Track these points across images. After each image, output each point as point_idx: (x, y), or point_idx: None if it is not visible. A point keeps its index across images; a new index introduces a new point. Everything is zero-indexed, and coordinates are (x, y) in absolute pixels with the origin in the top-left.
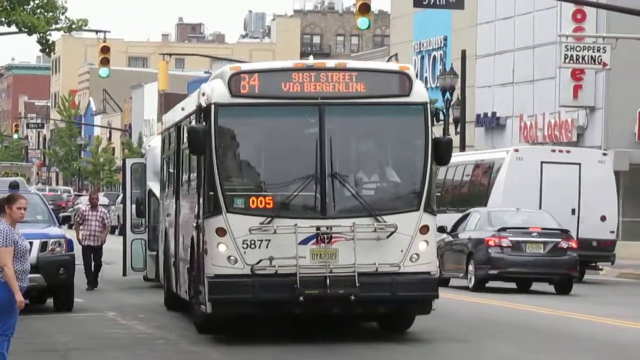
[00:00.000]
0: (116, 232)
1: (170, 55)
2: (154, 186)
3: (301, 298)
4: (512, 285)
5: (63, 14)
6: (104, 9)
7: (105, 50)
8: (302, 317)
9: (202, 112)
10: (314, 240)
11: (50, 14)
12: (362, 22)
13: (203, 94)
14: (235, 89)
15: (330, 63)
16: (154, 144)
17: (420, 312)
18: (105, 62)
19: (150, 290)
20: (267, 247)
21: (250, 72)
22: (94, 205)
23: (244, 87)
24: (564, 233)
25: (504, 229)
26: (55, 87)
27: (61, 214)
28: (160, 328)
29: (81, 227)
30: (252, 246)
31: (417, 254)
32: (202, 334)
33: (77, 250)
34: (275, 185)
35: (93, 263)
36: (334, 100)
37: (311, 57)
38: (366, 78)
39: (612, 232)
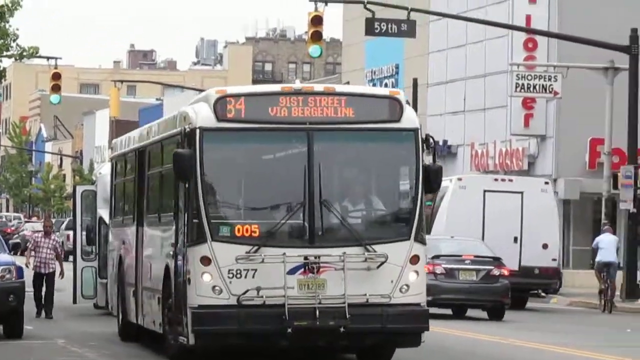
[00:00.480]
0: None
1: (122, 82)
2: (105, 213)
3: (289, 330)
4: (448, 311)
5: (14, 40)
6: (56, 36)
7: (56, 77)
8: (288, 349)
9: (185, 136)
10: (302, 270)
11: (1, 41)
12: (313, 50)
13: (184, 118)
14: (221, 113)
15: (318, 87)
16: (104, 171)
17: (409, 344)
18: (56, 88)
19: (102, 318)
20: (253, 277)
21: (237, 96)
22: (47, 232)
23: (229, 111)
24: (496, 261)
25: (437, 257)
26: (6, 113)
27: (10, 241)
28: (113, 357)
29: (33, 254)
30: (238, 276)
31: (407, 285)
32: None
33: (28, 276)
34: (262, 212)
35: (44, 290)
36: (322, 125)
37: (297, 80)
38: (355, 103)
39: (554, 259)
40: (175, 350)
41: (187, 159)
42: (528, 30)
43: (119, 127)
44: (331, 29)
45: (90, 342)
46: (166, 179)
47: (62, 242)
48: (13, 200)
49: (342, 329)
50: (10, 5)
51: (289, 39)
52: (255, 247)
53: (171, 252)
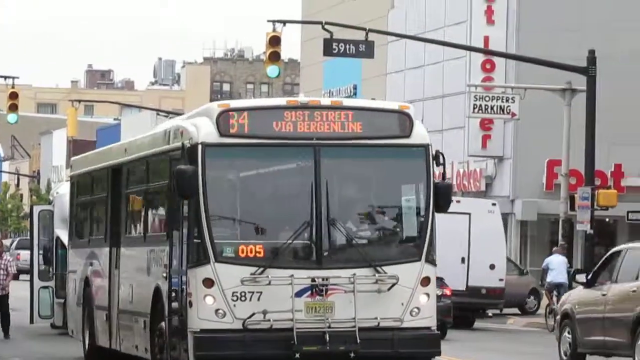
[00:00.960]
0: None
1: (79, 101)
2: (62, 234)
3: (297, 355)
4: None
5: None
6: (13, 55)
7: (13, 96)
8: None
9: (186, 152)
10: (309, 292)
11: None
12: (271, 70)
13: (182, 133)
14: (224, 128)
15: (325, 101)
16: (62, 191)
17: None
18: (13, 108)
19: (60, 338)
20: (258, 299)
21: (240, 110)
22: None
23: (232, 125)
24: (439, 281)
25: None
26: None
27: None
28: None
29: None
30: (243, 298)
31: (417, 308)
32: None
33: None
34: (268, 232)
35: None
36: (329, 140)
37: (302, 94)
38: (363, 117)
39: (500, 280)
40: None
41: (188, 175)
42: (486, 51)
43: (76, 147)
44: (289, 50)
45: None
46: (154, 197)
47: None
48: None
49: (352, 354)
50: None
51: (247, 59)
52: (261, 269)
53: (164, 274)
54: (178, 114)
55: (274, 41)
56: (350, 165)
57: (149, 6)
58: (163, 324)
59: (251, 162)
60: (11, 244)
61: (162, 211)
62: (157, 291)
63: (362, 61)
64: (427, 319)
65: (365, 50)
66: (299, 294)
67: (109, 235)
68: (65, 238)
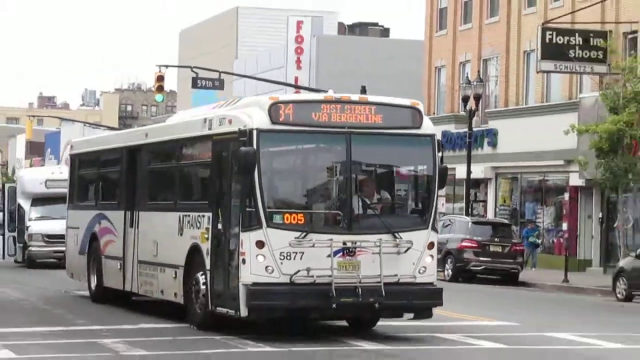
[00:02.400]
0: None
1: (34, 116)
2: (22, 202)
3: (334, 305)
4: None
5: None
6: None
7: None
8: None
9: (242, 136)
10: (341, 253)
11: None
12: (158, 97)
13: (230, 121)
14: (274, 117)
15: (354, 97)
16: (21, 174)
17: (425, 316)
18: None
19: (24, 270)
20: (301, 258)
21: (286, 102)
22: None
23: (280, 115)
24: None
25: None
26: None
27: None
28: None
29: None
30: (288, 257)
31: (424, 267)
32: (201, 330)
33: None
34: (308, 203)
35: None
36: (358, 129)
37: (330, 90)
38: (384, 111)
39: None
40: (201, 318)
41: (248, 155)
42: (296, 86)
43: (32, 147)
44: (171, 83)
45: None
46: (189, 172)
47: None
48: None
49: (377, 305)
50: None
51: (142, 89)
52: (303, 233)
53: (205, 235)
54: (100, 126)
55: (160, 78)
56: (374, 150)
57: (82, 45)
58: (200, 275)
59: (296, 145)
60: None
61: (197, 183)
62: (194, 248)
63: (217, 92)
64: (432, 275)
65: (219, 85)
66: (333, 254)
67: (125, 201)
68: (25, 205)
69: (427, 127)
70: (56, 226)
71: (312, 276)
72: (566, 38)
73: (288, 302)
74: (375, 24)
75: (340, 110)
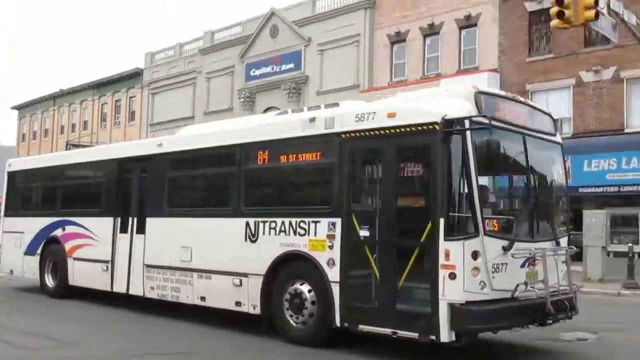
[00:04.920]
0: None
1: None
2: None
3: (550, 321)
4: None
5: None
6: None
7: None
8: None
9: (445, 127)
10: (527, 263)
11: None
12: None
13: (422, 114)
14: (483, 110)
15: (529, 101)
16: None
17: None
18: None
19: None
20: (505, 270)
21: (491, 95)
22: None
23: (483, 108)
24: None
25: None
26: None
27: None
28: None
29: None
30: (497, 270)
31: (563, 273)
32: (294, 345)
33: None
34: (510, 208)
35: None
36: (538, 134)
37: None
38: (541, 117)
39: None
40: (299, 333)
41: (452, 153)
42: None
43: None
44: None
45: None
46: (299, 173)
47: None
48: None
49: (569, 319)
50: None
51: None
52: (511, 242)
53: (324, 243)
54: None
55: None
56: (544, 156)
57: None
58: (301, 285)
59: (501, 144)
60: None
61: (304, 186)
62: (289, 256)
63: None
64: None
65: None
66: (522, 264)
67: (121, 209)
68: None
69: (558, 135)
70: None
71: (533, 290)
72: None
73: (507, 323)
74: None
75: (526, 113)
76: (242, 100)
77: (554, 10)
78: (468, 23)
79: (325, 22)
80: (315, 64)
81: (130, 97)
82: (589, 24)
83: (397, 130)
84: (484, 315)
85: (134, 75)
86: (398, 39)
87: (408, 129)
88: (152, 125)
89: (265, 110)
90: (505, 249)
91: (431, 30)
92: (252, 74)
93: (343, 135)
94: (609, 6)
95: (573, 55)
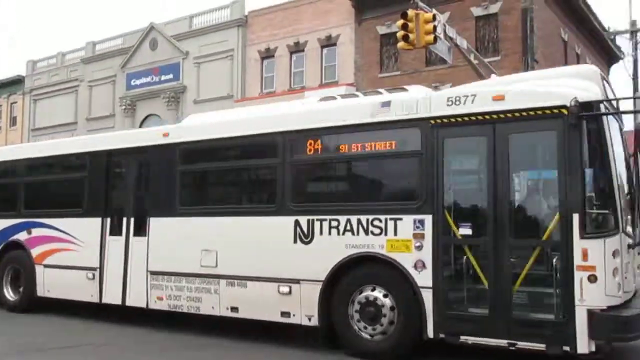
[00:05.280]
0: None
1: None
2: None
3: None
4: None
5: None
6: None
7: None
8: None
9: (575, 110)
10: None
11: None
12: None
13: (542, 96)
14: (607, 93)
15: None
16: None
17: None
18: None
19: None
20: (627, 270)
21: (605, 80)
22: None
23: (607, 92)
24: None
25: None
26: None
27: None
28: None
29: None
30: (626, 270)
31: None
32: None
33: None
34: (620, 204)
35: None
36: None
37: None
38: None
39: None
40: (376, 346)
41: (585, 140)
42: None
43: None
44: None
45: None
46: (361, 166)
47: None
48: None
49: None
50: None
51: None
52: (637, 240)
53: (410, 243)
54: None
55: None
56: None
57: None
58: (359, 294)
59: (622, 130)
60: None
61: (376, 178)
62: (357, 259)
63: None
64: None
65: None
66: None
67: (109, 209)
68: None
69: None
70: None
71: None
72: None
73: None
74: None
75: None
76: (124, 107)
77: (400, 34)
78: (329, 42)
79: (201, 37)
80: (192, 75)
81: (12, 103)
82: (429, 47)
83: (508, 115)
84: (626, 323)
85: (16, 82)
86: (268, 54)
87: (524, 113)
88: (33, 130)
89: (145, 118)
90: (631, 247)
91: (297, 48)
92: (132, 83)
93: (433, 121)
94: (445, 32)
95: (417, 72)
